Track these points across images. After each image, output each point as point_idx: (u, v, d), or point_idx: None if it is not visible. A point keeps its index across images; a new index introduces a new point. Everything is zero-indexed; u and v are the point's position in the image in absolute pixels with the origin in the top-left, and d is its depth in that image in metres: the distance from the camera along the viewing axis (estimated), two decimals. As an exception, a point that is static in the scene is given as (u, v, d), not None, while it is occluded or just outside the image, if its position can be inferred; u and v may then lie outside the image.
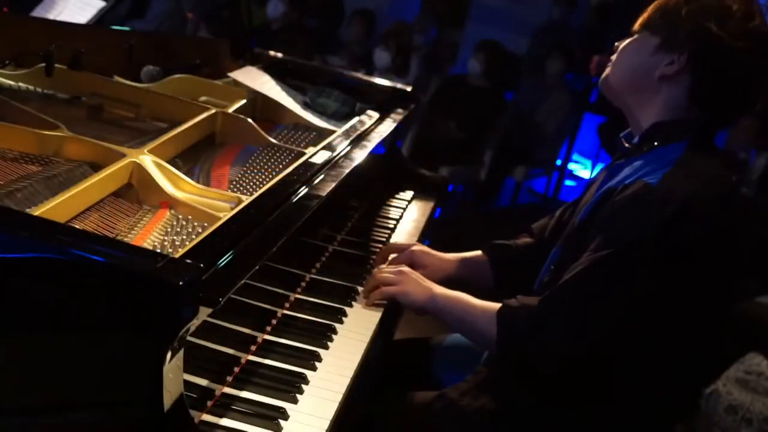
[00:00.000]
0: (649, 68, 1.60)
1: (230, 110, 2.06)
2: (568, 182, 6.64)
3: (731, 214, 1.54)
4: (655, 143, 1.58)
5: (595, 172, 5.05)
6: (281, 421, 1.33)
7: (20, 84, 1.91)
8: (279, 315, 1.64)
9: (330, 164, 1.84)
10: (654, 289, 1.47)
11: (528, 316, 1.53)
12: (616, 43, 1.69)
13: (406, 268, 1.77)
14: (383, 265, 1.88)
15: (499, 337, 1.56)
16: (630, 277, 1.46)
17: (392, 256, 1.95)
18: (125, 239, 1.42)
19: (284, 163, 1.85)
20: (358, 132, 2.11)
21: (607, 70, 1.68)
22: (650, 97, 1.61)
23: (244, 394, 1.40)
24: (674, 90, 1.58)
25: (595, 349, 1.49)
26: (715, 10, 1.55)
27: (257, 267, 1.38)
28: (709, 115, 1.59)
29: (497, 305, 1.59)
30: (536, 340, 1.51)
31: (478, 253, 2.00)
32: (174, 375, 1.18)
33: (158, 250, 1.37)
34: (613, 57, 1.67)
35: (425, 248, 1.97)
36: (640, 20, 1.64)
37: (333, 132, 2.10)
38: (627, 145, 1.65)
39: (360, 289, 1.83)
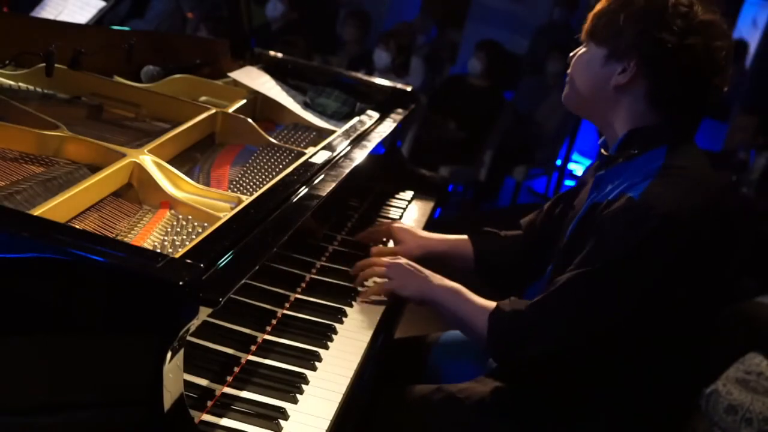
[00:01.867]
0: (603, 80, 1.58)
1: (230, 110, 2.06)
2: (568, 182, 6.64)
3: (719, 219, 1.52)
4: (634, 152, 1.56)
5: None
6: (281, 421, 1.33)
7: (20, 84, 1.91)
8: (279, 315, 1.64)
9: (330, 164, 1.84)
10: (636, 302, 1.48)
11: (516, 324, 1.56)
12: (570, 54, 1.67)
13: (402, 260, 1.78)
14: (378, 259, 1.86)
15: (489, 338, 1.59)
16: (609, 293, 1.48)
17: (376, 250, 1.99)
18: (125, 239, 1.42)
19: (284, 163, 1.85)
20: (358, 132, 2.11)
21: (567, 88, 1.66)
22: (612, 108, 1.59)
23: (244, 394, 1.40)
24: (633, 97, 1.56)
25: (576, 357, 1.52)
26: (652, 10, 1.52)
27: (257, 267, 1.38)
28: (674, 115, 1.56)
29: (492, 304, 1.61)
30: (521, 346, 1.54)
31: (464, 237, 2.03)
32: (174, 375, 1.18)
33: (158, 250, 1.37)
34: (569, 71, 1.66)
35: (405, 225, 2.06)
36: (583, 30, 1.62)
37: (333, 132, 2.10)
38: (605, 153, 1.64)
39: (360, 289, 1.83)
